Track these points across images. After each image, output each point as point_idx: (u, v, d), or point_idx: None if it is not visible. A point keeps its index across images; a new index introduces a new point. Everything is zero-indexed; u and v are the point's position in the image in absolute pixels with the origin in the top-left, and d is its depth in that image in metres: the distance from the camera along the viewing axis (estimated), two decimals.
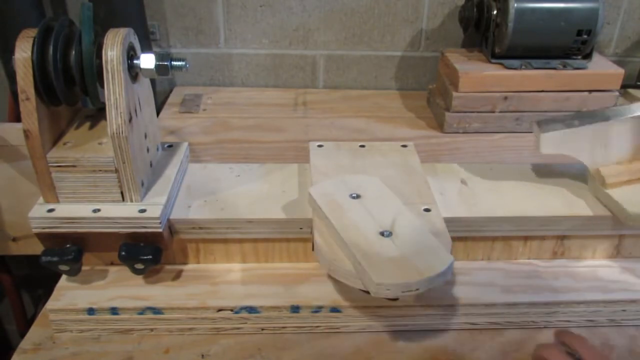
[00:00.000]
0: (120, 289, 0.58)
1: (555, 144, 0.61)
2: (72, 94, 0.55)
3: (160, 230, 0.55)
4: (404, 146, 0.70)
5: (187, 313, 0.56)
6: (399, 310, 0.57)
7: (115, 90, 0.52)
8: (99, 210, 0.55)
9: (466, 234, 0.60)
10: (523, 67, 0.91)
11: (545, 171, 0.67)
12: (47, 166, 0.54)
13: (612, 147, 0.62)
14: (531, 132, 0.92)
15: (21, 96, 0.51)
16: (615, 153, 0.63)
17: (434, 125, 0.96)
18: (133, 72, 0.55)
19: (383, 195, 0.57)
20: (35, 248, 0.57)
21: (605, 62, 0.95)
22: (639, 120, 0.62)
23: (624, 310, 0.58)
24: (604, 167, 0.62)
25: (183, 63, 0.57)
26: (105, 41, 0.51)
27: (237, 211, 0.58)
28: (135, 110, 0.56)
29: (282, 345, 0.56)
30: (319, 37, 1.08)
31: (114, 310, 0.55)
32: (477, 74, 0.89)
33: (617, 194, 0.60)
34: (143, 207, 0.56)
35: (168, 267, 0.60)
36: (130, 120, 0.53)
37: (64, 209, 0.55)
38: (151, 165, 0.61)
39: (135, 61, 0.55)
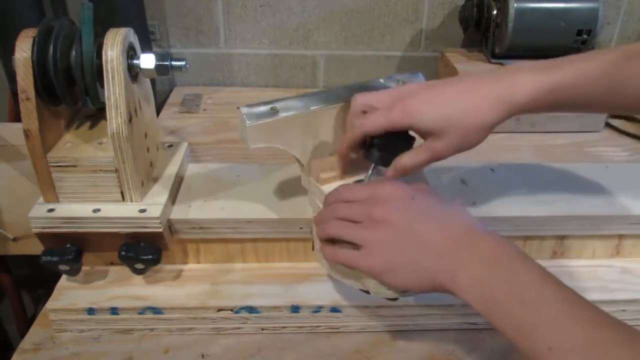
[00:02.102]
0: (120, 289, 0.58)
1: (265, 135, 0.52)
2: (72, 94, 0.55)
3: (160, 230, 0.55)
4: None
5: (187, 313, 0.56)
6: (399, 310, 0.57)
7: (115, 90, 0.52)
8: (99, 210, 0.55)
9: None
10: None
11: (545, 171, 0.67)
12: (47, 166, 0.54)
13: (323, 137, 0.56)
14: (532, 132, 0.93)
15: (21, 96, 0.51)
16: (329, 144, 0.56)
17: None
18: (133, 72, 0.55)
19: None
20: (35, 248, 0.56)
21: None
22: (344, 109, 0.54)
23: (624, 310, 0.58)
24: (316, 161, 0.55)
25: (183, 63, 0.57)
26: (105, 41, 0.51)
27: (237, 211, 0.58)
28: (135, 110, 0.56)
29: (282, 345, 0.56)
30: (319, 37, 1.08)
31: (114, 310, 0.55)
32: None
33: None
34: (143, 207, 0.56)
35: (168, 267, 0.60)
36: (130, 120, 0.53)
37: (64, 209, 0.55)
38: (151, 165, 0.61)
39: (135, 61, 0.55)
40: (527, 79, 0.47)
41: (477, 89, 0.48)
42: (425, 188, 0.50)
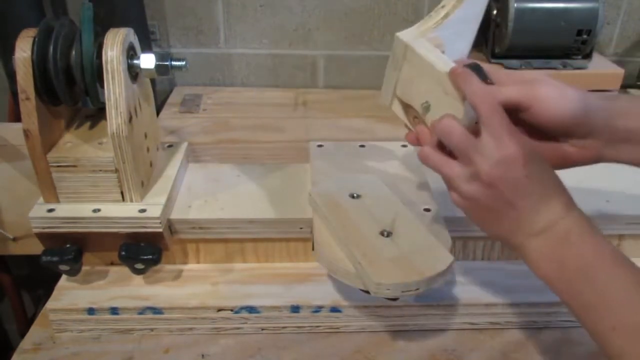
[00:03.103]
0: (120, 289, 0.58)
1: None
2: (72, 94, 0.54)
3: (160, 230, 0.55)
4: (404, 146, 0.70)
5: (187, 313, 0.56)
6: (399, 310, 0.57)
7: (115, 90, 0.52)
8: (99, 210, 0.55)
9: (466, 234, 0.60)
10: (523, 67, 0.91)
11: None
12: (47, 166, 0.54)
13: None
14: None
15: (21, 96, 0.51)
16: None
17: None
18: (133, 72, 0.55)
19: (383, 195, 0.57)
20: (35, 248, 0.56)
21: (605, 62, 0.95)
22: None
23: None
24: None
25: (183, 63, 0.57)
26: (105, 41, 0.51)
27: (237, 211, 0.58)
28: (135, 110, 0.56)
29: (282, 345, 0.56)
30: (319, 37, 1.08)
31: (114, 310, 0.55)
32: None
33: None
34: (143, 207, 0.56)
35: (168, 267, 0.60)
36: (130, 120, 0.53)
37: (64, 209, 0.55)
38: (151, 165, 0.61)
39: (135, 61, 0.55)
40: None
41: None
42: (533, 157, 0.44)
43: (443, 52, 0.51)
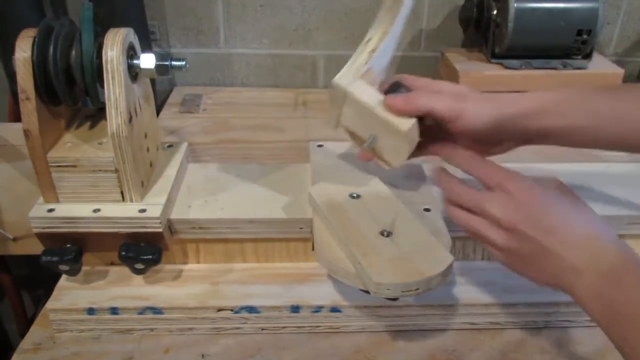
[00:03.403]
0: (120, 289, 0.58)
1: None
2: (72, 94, 0.54)
3: (160, 230, 0.55)
4: None
5: (187, 313, 0.56)
6: (399, 310, 0.57)
7: (115, 90, 0.52)
8: (99, 210, 0.55)
9: (466, 234, 0.60)
10: (523, 67, 0.91)
11: (546, 171, 0.67)
12: (47, 166, 0.54)
13: None
14: None
15: (21, 96, 0.51)
16: None
17: None
18: (133, 72, 0.55)
19: (383, 195, 0.57)
20: (35, 248, 0.56)
21: (605, 62, 0.96)
22: None
23: None
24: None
25: (183, 63, 0.57)
26: (105, 41, 0.51)
27: (237, 211, 0.58)
28: (135, 110, 0.56)
29: (282, 345, 0.56)
30: (319, 37, 1.08)
31: (114, 310, 0.55)
32: (477, 74, 0.90)
33: None
34: (143, 207, 0.56)
35: (168, 267, 0.60)
36: (130, 120, 0.53)
37: (64, 209, 0.55)
38: (151, 165, 0.61)
39: (135, 61, 0.55)
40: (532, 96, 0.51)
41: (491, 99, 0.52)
42: (550, 187, 0.47)
43: (378, 82, 0.56)
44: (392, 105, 0.51)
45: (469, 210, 0.48)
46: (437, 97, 0.51)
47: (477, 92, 0.53)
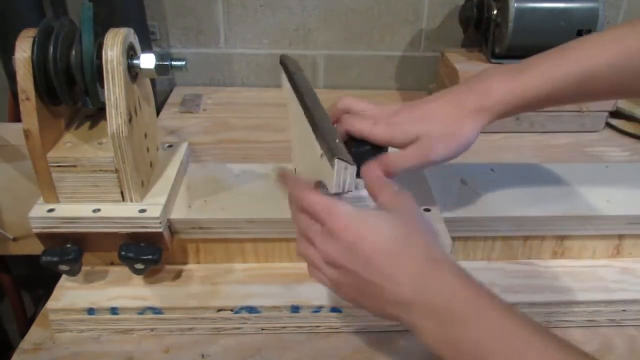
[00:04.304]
0: (120, 289, 0.58)
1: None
2: (72, 94, 0.54)
3: (160, 230, 0.55)
4: None
5: (187, 313, 0.56)
6: None
7: (115, 90, 0.52)
8: (99, 210, 0.55)
9: (466, 234, 0.60)
10: None
11: (545, 171, 0.67)
12: (47, 166, 0.54)
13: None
14: (532, 132, 0.93)
15: (21, 96, 0.51)
16: None
17: None
18: (133, 72, 0.55)
19: None
20: (35, 248, 0.56)
21: None
22: None
23: (624, 310, 0.58)
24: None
25: (183, 63, 0.57)
26: (105, 41, 0.51)
27: (237, 211, 0.58)
28: (135, 110, 0.56)
29: (282, 345, 0.56)
30: (319, 37, 1.08)
31: (114, 310, 0.55)
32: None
33: None
34: (143, 207, 0.56)
35: (168, 267, 0.60)
36: (130, 120, 0.53)
37: (64, 209, 0.55)
38: (151, 165, 0.61)
39: (135, 61, 0.55)
40: (495, 86, 0.49)
41: (453, 102, 0.50)
42: (380, 216, 0.43)
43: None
44: (370, 178, 0.49)
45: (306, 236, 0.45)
46: (405, 154, 0.49)
47: (436, 122, 0.49)
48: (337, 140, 0.47)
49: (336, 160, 0.44)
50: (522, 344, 0.36)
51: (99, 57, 0.52)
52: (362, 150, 0.51)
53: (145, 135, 0.59)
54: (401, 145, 0.50)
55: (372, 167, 0.50)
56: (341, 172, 0.45)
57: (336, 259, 0.42)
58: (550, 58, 0.50)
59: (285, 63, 0.61)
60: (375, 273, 0.40)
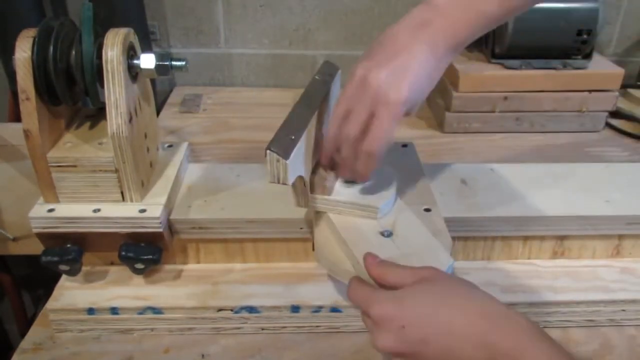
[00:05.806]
0: (120, 289, 0.58)
1: (297, 166, 0.49)
2: (72, 94, 0.55)
3: (160, 230, 0.55)
4: (404, 146, 0.70)
5: (187, 313, 0.56)
6: None
7: (115, 90, 0.52)
8: (99, 210, 0.55)
9: (466, 234, 0.60)
10: (523, 67, 0.91)
11: (545, 171, 0.67)
12: (47, 166, 0.54)
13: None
14: (532, 132, 0.93)
15: (21, 96, 0.51)
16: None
17: (434, 125, 0.96)
18: (133, 72, 0.55)
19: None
20: (35, 248, 0.56)
21: (605, 62, 0.95)
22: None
23: (623, 310, 0.58)
24: (313, 176, 0.56)
25: (183, 63, 0.57)
26: (105, 41, 0.51)
27: (237, 211, 0.58)
28: (135, 110, 0.56)
29: (282, 345, 0.56)
30: (319, 37, 1.08)
31: (114, 310, 0.55)
32: (477, 74, 0.89)
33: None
34: (143, 207, 0.56)
35: (168, 267, 0.60)
36: (130, 120, 0.53)
37: (64, 209, 0.55)
38: (151, 165, 0.61)
39: (135, 61, 0.55)
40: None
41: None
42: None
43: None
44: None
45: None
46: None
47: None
48: (287, 134, 0.47)
49: (267, 152, 0.44)
50: None
51: (99, 57, 0.52)
52: None
53: (145, 135, 0.59)
54: None
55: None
56: (273, 163, 0.45)
57: (394, 349, 0.42)
58: None
59: (319, 70, 0.60)
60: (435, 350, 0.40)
